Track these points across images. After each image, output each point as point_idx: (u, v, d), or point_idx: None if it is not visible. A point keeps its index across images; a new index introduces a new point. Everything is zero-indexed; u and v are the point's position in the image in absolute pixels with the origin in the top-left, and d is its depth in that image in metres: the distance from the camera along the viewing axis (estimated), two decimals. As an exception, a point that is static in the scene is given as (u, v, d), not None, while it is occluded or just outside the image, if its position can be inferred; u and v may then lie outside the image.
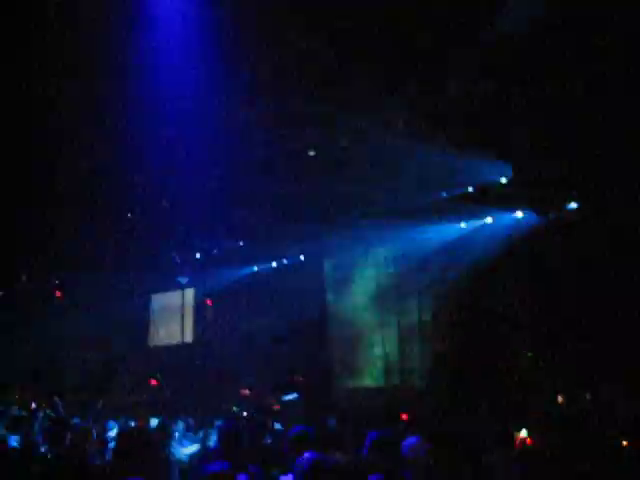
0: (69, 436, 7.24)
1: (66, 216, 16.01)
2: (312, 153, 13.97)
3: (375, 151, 12.99)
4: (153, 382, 21.68)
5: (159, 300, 23.50)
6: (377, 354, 17.19)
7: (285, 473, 5.60)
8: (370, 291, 17.68)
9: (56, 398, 12.66)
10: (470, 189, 14.50)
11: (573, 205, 13.56)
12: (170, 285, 22.52)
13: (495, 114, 11.30)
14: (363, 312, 17.70)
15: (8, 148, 12.67)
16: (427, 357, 16.02)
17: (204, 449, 7.82)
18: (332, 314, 18.58)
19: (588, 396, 12.09)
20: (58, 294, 23.82)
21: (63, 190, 14.72)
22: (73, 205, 15.37)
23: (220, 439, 5.79)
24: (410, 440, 5.82)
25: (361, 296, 17.88)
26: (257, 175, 14.12)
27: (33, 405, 13.83)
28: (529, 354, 14.32)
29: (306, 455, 4.94)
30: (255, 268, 20.30)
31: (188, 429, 10.12)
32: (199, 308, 22.05)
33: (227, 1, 9.60)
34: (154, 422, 9.58)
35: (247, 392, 18.73)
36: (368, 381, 17.17)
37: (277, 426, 9.71)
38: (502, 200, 14.13)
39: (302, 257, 19.57)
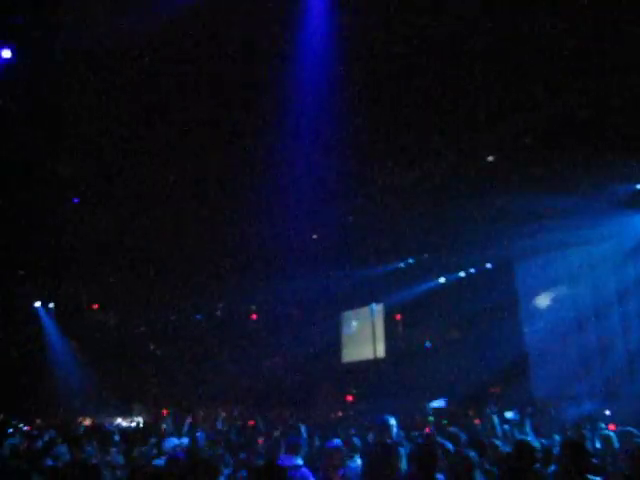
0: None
1: (253, 242, 16.89)
2: (491, 159, 13.66)
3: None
4: (349, 398, 22.12)
5: (350, 317, 23.96)
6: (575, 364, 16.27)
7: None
8: (566, 296, 16.87)
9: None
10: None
11: None
12: (359, 301, 22.90)
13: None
14: (561, 314, 16.87)
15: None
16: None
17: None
18: (527, 321, 17.92)
19: None
20: (254, 317, 25.11)
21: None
22: (261, 231, 16.13)
23: (414, 463, 5.55)
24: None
25: (557, 301, 17.09)
26: (437, 184, 14.05)
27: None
28: None
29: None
30: (442, 280, 20.04)
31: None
32: (389, 323, 22.19)
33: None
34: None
35: (442, 404, 18.57)
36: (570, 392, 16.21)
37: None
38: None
39: (489, 265, 19.09)
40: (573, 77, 10.35)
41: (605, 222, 14.64)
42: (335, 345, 23.81)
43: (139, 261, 17.65)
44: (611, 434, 8.21)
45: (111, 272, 18.98)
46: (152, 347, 24.76)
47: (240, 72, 10.14)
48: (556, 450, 6.64)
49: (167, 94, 10.62)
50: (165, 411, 20.37)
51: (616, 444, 7.67)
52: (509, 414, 12.92)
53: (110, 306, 23.50)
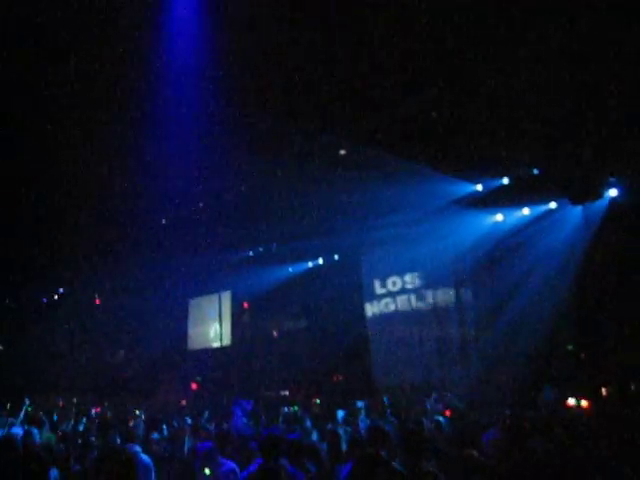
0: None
1: (99, 224, 16.22)
2: (343, 152, 13.95)
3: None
4: (194, 385, 21.89)
5: (197, 304, 23.66)
6: (415, 352, 17.04)
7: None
8: (409, 290, 17.56)
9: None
10: (505, 181, 14.31)
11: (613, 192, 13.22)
12: (207, 289, 22.66)
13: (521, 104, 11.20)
14: (403, 309, 17.57)
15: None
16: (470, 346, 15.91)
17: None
18: (370, 313, 18.47)
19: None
20: (97, 302, 24.23)
21: (98, 200, 14.92)
22: (106, 212, 15.55)
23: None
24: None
25: (400, 294, 17.75)
26: (288, 175, 14.16)
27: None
28: (569, 346, 14.13)
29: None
30: (290, 269, 20.23)
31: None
32: (236, 311, 22.14)
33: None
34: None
35: (287, 393, 18.78)
36: (405, 379, 16.95)
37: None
38: (535, 191, 13.95)
39: (336, 256, 19.53)
40: (426, 79, 10.80)
41: (446, 219, 15.36)
42: (181, 332, 23.44)
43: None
44: (441, 419, 8.73)
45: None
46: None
47: (111, 43, 9.82)
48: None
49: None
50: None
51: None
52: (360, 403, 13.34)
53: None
